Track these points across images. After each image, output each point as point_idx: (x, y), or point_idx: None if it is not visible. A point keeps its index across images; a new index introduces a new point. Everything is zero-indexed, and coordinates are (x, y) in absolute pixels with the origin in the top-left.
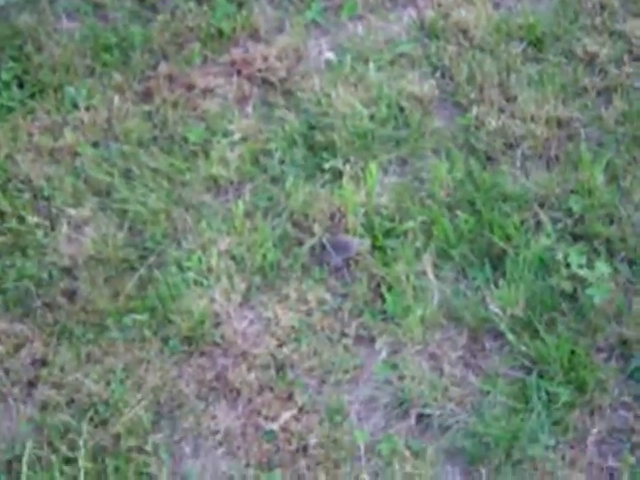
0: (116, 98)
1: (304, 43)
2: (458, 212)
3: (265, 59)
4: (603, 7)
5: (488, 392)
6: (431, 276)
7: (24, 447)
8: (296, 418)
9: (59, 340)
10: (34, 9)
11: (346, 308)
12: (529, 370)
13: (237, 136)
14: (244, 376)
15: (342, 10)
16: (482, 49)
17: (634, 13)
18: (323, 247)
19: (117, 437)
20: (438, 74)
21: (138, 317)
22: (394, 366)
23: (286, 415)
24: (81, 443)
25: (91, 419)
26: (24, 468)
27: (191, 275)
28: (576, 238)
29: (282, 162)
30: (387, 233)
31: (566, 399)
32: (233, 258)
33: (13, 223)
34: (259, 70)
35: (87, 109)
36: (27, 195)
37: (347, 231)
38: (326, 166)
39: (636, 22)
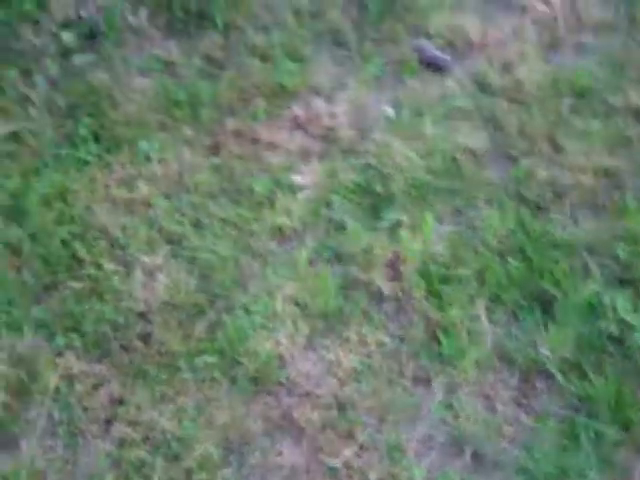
0: (186, 152)
1: (364, 98)
2: (510, 259)
3: (327, 114)
4: None
5: (539, 430)
6: (484, 320)
7: None
8: (357, 455)
9: (135, 380)
10: (108, 68)
11: (404, 350)
12: (578, 409)
13: (300, 187)
14: (308, 415)
15: (402, 68)
16: (532, 103)
17: None
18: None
19: (189, 472)
20: (490, 127)
21: (208, 359)
22: (449, 406)
23: (347, 452)
24: (155, 478)
25: (165, 455)
26: None
27: (258, 319)
28: (623, 284)
29: (343, 212)
30: (442, 279)
31: (613, 437)
32: (297, 303)
33: (91, 270)
34: (321, 125)
35: (159, 162)
36: (104, 243)
37: (404, 278)
38: (385, 216)
39: None
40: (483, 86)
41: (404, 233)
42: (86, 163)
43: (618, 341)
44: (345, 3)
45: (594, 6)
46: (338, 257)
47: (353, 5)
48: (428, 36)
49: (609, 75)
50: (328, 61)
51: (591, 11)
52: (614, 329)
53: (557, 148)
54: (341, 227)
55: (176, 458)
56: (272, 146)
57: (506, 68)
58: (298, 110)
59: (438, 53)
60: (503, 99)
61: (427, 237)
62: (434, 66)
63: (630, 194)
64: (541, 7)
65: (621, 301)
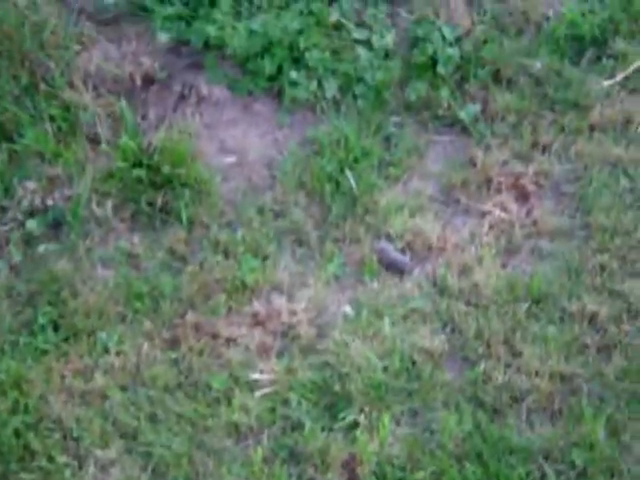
0: (145, 344)
1: (324, 297)
2: (466, 463)
3: (287, 311)
4: (603, 268)
5: None
6: None
7: None
8: None
9: None
10: (71, 257)
11: None
12: None
13: (258, 385)
14: None
15: (362, 269)
16: (489, 306)
17: (632, 273)
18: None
19: None
20: (448, 329)
21: None
22: None
23: None
24: None
25: None
26: None
27: None
28: None
29: (300, 411)
30: None
31: None
32: None
33: (43, 462)
34: (281, 322)
35: (117, 354)
36: (57, 435)
37: None
38: (342, 415)
39: (634, 282)
40: (441, 289)
41: (361, 434)
42: (44, 352)
43: None
44: (308, 203)
45: (550, 212)
46: (294, 457)
47: (315, 205)
48: (388, 238)
49: (565, 281)
50: (290, 259)
51: (547, 217)
52: None
53: (514, 352)
54: (298, 426)
55: None
56: (231, 342)
57: (464, 272)
58: (258, 306)
59: (398, 255)
60: (461, 302)
61: (383, 438)
62: (394, 268)
63: (586, 400)
64: (499, 212)
65: None
